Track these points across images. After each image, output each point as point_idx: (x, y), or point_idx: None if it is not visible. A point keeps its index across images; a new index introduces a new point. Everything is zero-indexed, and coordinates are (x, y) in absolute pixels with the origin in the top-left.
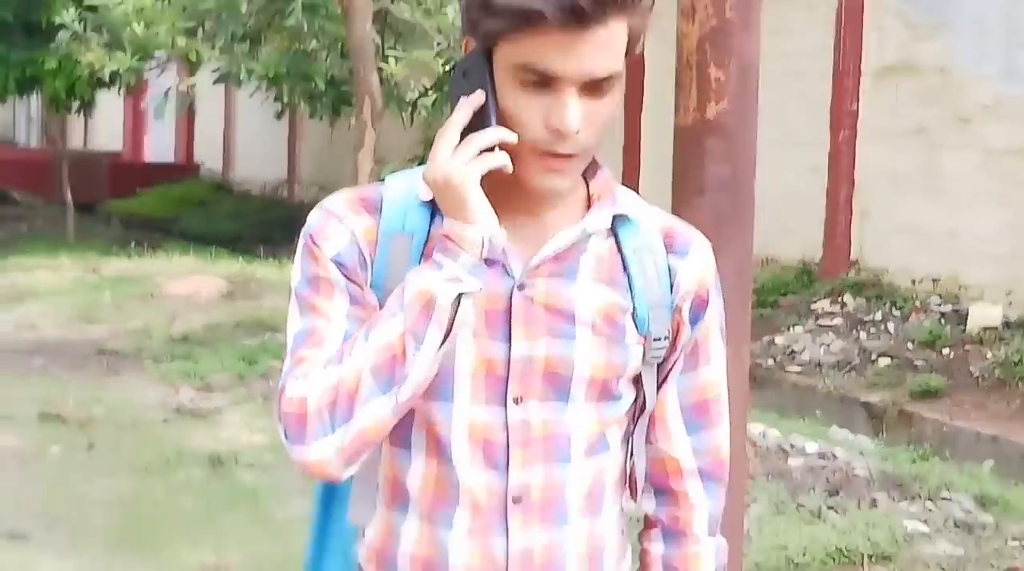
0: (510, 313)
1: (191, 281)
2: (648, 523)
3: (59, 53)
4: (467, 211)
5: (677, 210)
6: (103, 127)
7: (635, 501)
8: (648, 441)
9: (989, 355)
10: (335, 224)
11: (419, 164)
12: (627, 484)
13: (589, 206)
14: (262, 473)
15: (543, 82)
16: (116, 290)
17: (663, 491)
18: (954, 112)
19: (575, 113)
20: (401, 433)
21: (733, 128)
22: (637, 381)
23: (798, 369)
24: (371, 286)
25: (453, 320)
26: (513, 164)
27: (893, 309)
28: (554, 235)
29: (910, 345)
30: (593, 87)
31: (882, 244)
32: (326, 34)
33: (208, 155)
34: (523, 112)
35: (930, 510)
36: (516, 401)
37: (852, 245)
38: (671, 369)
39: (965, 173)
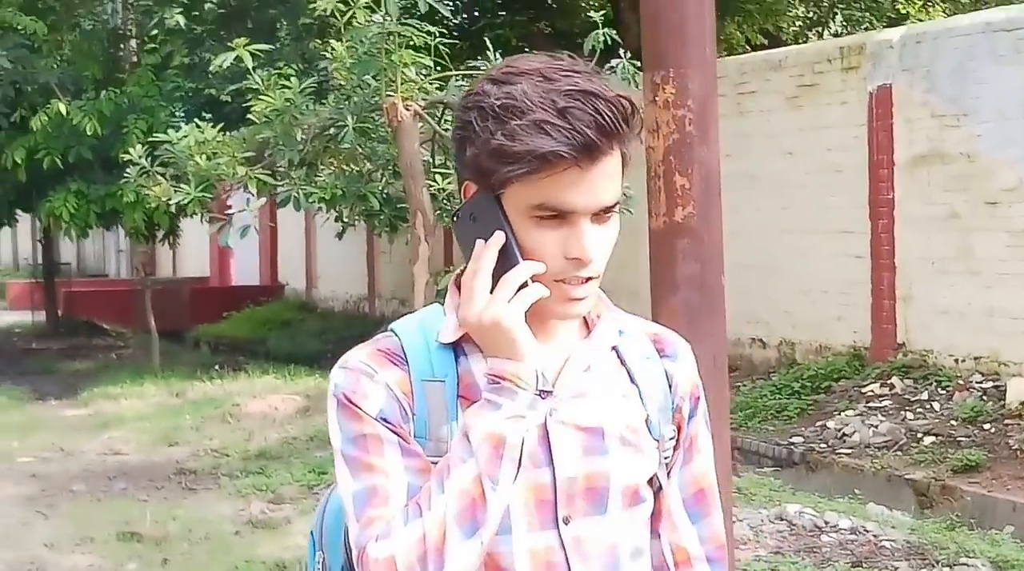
0: (548, 438)
1: (269, 400)
2: None
3: (129, 187)
4: (518, 349)
5: (655, 307)
6: (191, 255)
7: None
8: (654, 534)
9: None
10: (367, 381)
11: None
12: None
13: (586, 322)
14: None
15: (558, 216)
16: (197, 412)
17: None
18: (982, 196)
19: (592, 241)
20: None
21: (699, 229)
22: (652, 482)
23: (848, 451)
24: (415, 436)
25: (521, 455)
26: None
27: (938, 388)
28: (566, 354)
29: (953, 422)
30: (602, 214)
31: (926, 326)
32: (378, 155)
33: (292, 275)
34: (542, 247)
35: None
36: (565, 521)
37: (898, 329)
38: (671, 466)
39: (995, 254)
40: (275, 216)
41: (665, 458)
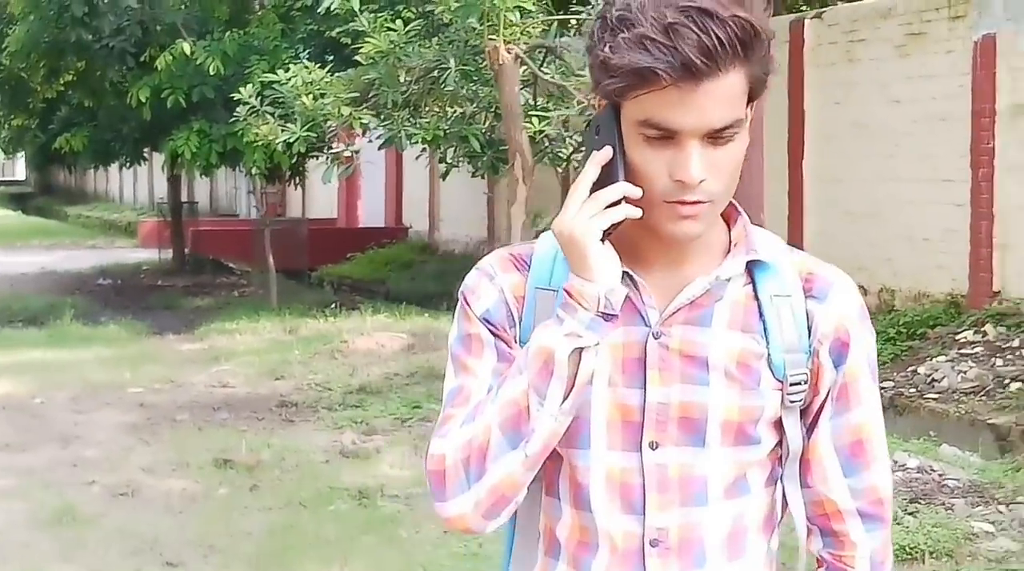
0: (645, 360)
1: (377, 337)
2: (817, 562)
3: (239, 126)
4: (587, 267)
5: None
6: (320, 197)
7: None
8: (805, 484)
9: None
10: (486, 282)
11: None
12: (776, 526)
13: (728, 252)
14: (403, 503)
15: (666, 135)
16: (306, 348)
17: (825, 531)
18: None
19: (697, 164)
20: (553, 482)
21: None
22: (779, 425)
23: (936, 396)
24: (520, 341)
25: (576, 375)
26: (645, 215)
27: None
28: (690, 283)
29: None
30: (715, 136)
31: (1022, 274)
32: (480, 98)
33: (415, 218)
34: (649, 165)
35: (1000, 513)
36: (652, 446)
37: (995, 277)
38: (820, 412)
39: None
40: (401, 160)
41: (793, 401)
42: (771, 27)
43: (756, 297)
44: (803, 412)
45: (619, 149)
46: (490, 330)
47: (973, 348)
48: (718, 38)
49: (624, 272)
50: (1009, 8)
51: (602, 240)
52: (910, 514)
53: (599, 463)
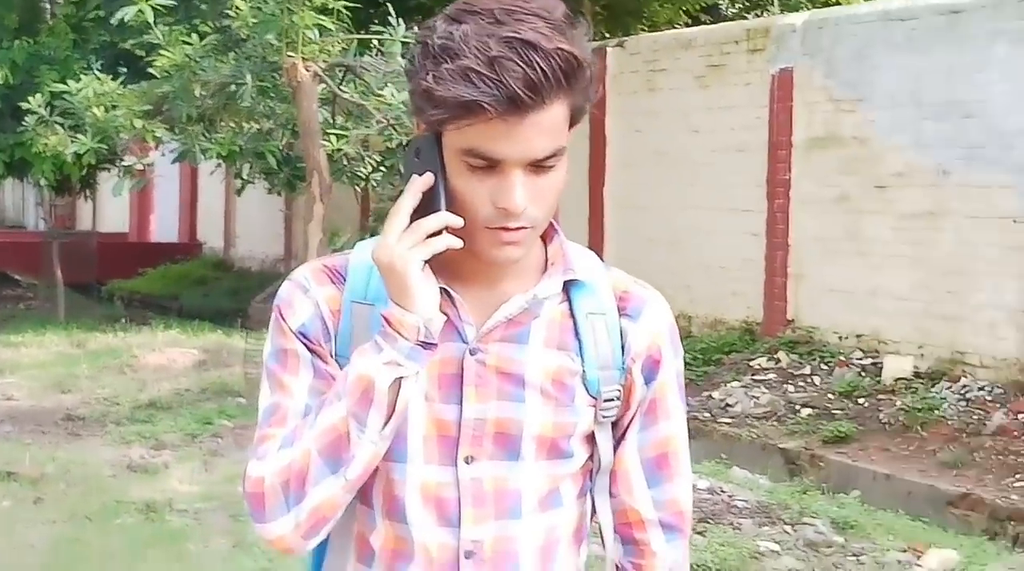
0: (462, 376)
1: (168, 353)
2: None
3: (27, 136)
4: (407, 297)
5: None
6: (112, 210)
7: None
8: (611, 494)
9: (898, 403)
10: (300, 295)
11: (371, 235)
12: (586, 538)
13: (545, 271)
14: (191, 517)
15: (490, 164)
16: (94, 362)
17: (627, 540)
18: (872, 179)
19: (521, 193)
20: (368, 492)
21: None
22: (592, 439)
23: (729, 420)
24: (336, 355)
25: (395, 402)
26: (467, 240)
27: (821, 363)
28: (508, 301)
29: (831, 396)
30: (538, 165)
31: (814, 304)
32: (278, 115)
33: (210, 234)
34: (473, 193)
35: (787, 533)
36: (467, 461)
37: (788, 305)
38: (629, 426)
39: (882, 236)
40: (195, 175)
41: (606, 417)
42: (591, 54)
43: (572, 315)
44: (614, 425)
45: (441, 175)
46: (306, 345)
47: (766, 374)
48: (543, 71)
49: (441, 288)
50: (806, 43)
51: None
52: (699, 533)
53: (415, 476)
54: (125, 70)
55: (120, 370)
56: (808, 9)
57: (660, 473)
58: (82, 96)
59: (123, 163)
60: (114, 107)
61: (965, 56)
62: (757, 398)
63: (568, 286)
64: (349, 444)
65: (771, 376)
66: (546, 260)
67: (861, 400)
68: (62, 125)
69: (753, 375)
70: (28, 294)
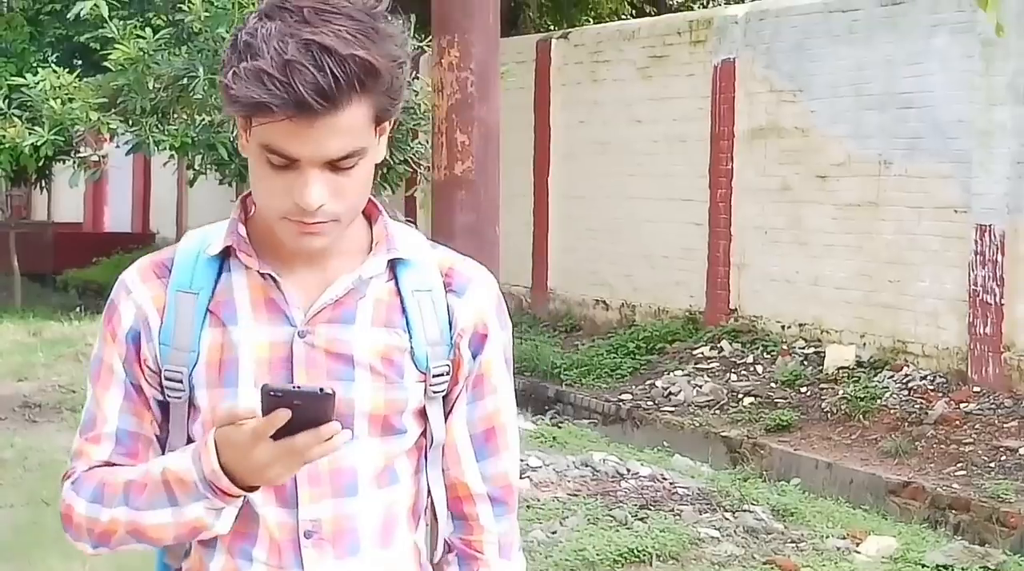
0: (292, 359)
1: None
2: (446, 547)
3: None
4: (255, 486)
5: None
6: (66, 200)
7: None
8: (441, 468)
9: (840, 392)
10: (125, 298)
11: None
12: (423, 514)
13: (370, 251)
14: None
15: (287, 160)
16: (50, 351)
17: (457, 515)
18: (813, 169)
19: (317, 192)
20: None
21: (477, 183)
22: (424, 414)
23: (672, 409)
24: (160, 343)
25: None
26: (272, 228)
27: (764, 352)
28: (333, 282)
29: (773, 385)
30: (335, 164)
31: (757, 293)
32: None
33: (163, 224)
34: (272, 186)
35: (727, 519)
36: None
37: (731, 294)
38: (456, 400)
39: (823, 226)
40: (149, 166)
41: (436, 392)
42: (404, 54)
43: (399, 293)
44: (444, 400)
45: (330, 411)
46: (129, 352)
47: (709, 363)
48: (335, 76)
49: (267, 273)
50: (748, 35)
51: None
52: (640, 519)
53: None
54: (81, 63)
55: (76, 358)
56: (752, 0)
57: (487, 446)
58: (40, 89)
59: (79, 155)
60: (70, 100)
61: (905, 47)
62: (700, 387)
63: (394, 265)
64: (162, 542)
65: (714, 365)
66: (371, 240)
67: (803, 389)
68: (19, 117)
69: (696, 364)
70: None
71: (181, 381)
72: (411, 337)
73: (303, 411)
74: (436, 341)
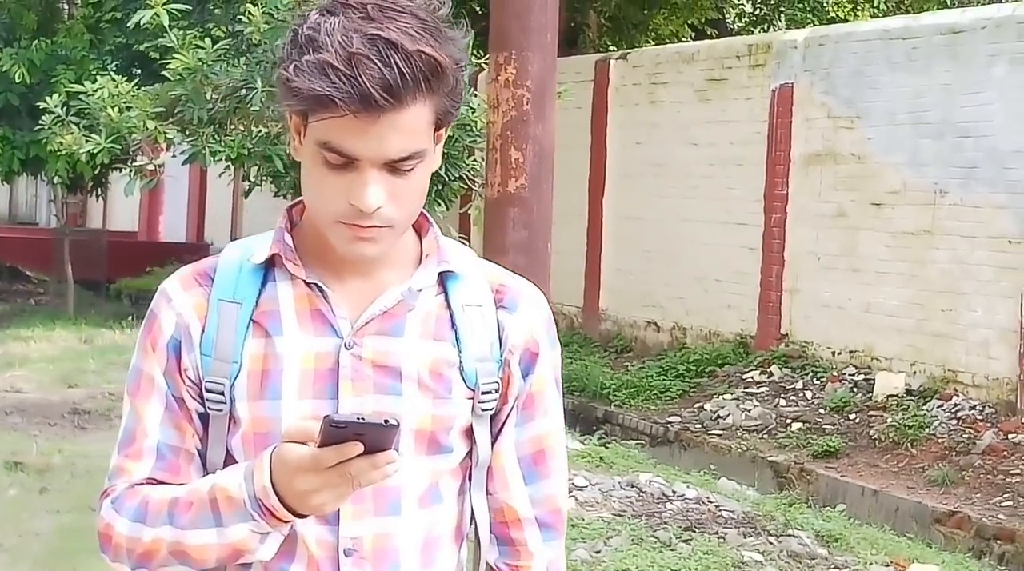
0: (338, 371)
1: None
2: None
3: (43, 135)
4: (303, 514)
5: None
6: (122, 209)
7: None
8: (488, 492)
9: (888, 420)
10: (166, 307)
11: None
12: (466, 536)
13: (420, 263)
14: None
15: (346, 160)
16: (101, 358)
17: (503, 541)
18: (868, 196)
19: (374, 192)
20: None
21: (530, 200)
22: (471, 433)
23: (720, 432)
24: (201, 354)
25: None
26: (325, 234)
27: (813, 378)
28: (383, 293)
29: (822, 411)
30: (396, 165)
31: (808, 318)
32: (285, 119)
33: (217, 235)
34: (328, 187)
35: (771, 544)
36: None
37: (783, 320)
38: (506, 421)
39: (877, 253)
40: (204, 176)
41: (484, 410)
42: (465, 58)
43: (448, 306)
44: (492, 419)
45: (392, 440)
46: (171, 361)
47: (759, 387)
48: (401, 72)
49: (313, 283)
50: (807, 59)
51: None
52: (684, 541)
53: None
54: (139, 72)
55: (126, 366)
56: (812, 25)
57: (537, 470)
58: (97, 97)
59: (135, 163)
60: (128, 108)
61: (963, 76)
62: (749, 411)
63: (444, 278)
64: (205, 564)
65: (763, 389)
66: (420, 252)
67: (852, 416)
68: (77, 125)
69: (745, 388)
70: (39, 290)
71: (223, 393)
72: (460, 352)
73: (365, 441)
74: (486, 357)
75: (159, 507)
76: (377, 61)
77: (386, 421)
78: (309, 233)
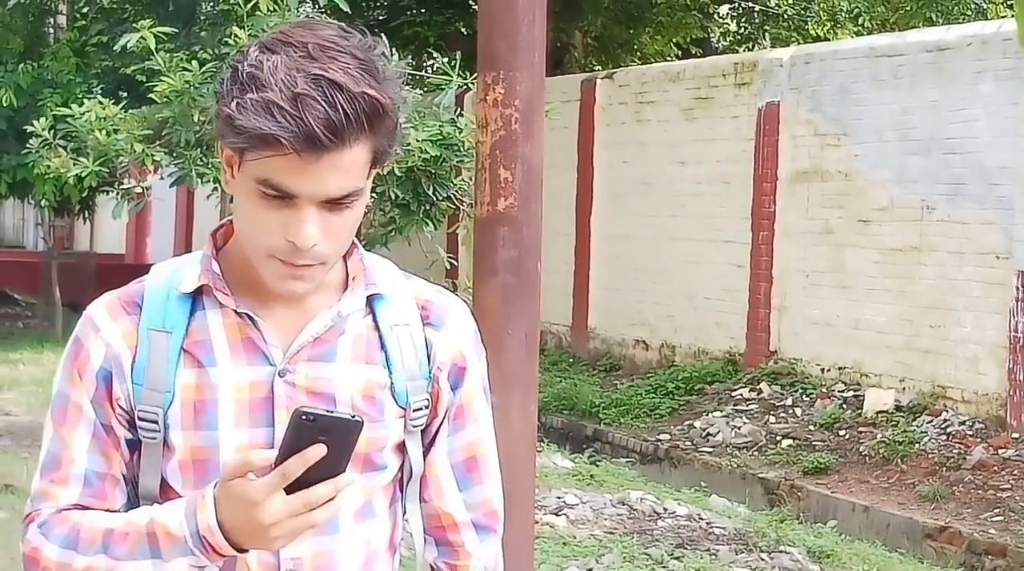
0: (273, 400)
1: None
2: None
3: (30, 158)
4: (250, 547)
5: (476, 287)
6: (109, 231)
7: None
8: (422, 499)
9: (878, 436)
10: (94, 336)
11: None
12: (398, 546)
13: (347, 287)
14: None
15: (284, 196)
16: None
17: (441, 542)
18: (856, 213)
19: (312, 230)
20: None
21: (520, 219)
22: (402, 448)
23: (710, 450)
24: (133, 383)
25: None
26: (256, 266)
27: (803, 395)
28: (312, 320)
29: (812, 427)
30: (332, 203)
31: (797, 336)
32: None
33: None
34: (264, 222)
35: (763, 560)
36: None
37: (771, 337)
38: (437, 432)
39: (865, 270)
40: (192, 198)
41: (415, 426)
42: (402, 98)
43: (377, 328)
44: (423, 432)
45: (348, 455)
46: (99, 391)
47: (748, 405)
48: (345, 113)
49: (244, 313)
50: (793, 78)
51: None
52: (676, 558)
53: None
54: (126, 95)
55: None
56: (797, 44)
57: (470, 476)
58: (85, 120)
59: (122, 186)
60: (115, 131)
61: (950, 93)
62: (738, 428)
63: (371, 299)
64: None
65: (753, 407)
66: (347, 276)
67: (842, 432)
68: (64, 148)
69: (735, 405)
70: (27, 313)
71: (156, 421)
72: (391, 373)
73: (331, 441)
74: (415, 376)
75: (92, 536)
76: (322, 101)
77: (353, 417)
78: (236, 260)
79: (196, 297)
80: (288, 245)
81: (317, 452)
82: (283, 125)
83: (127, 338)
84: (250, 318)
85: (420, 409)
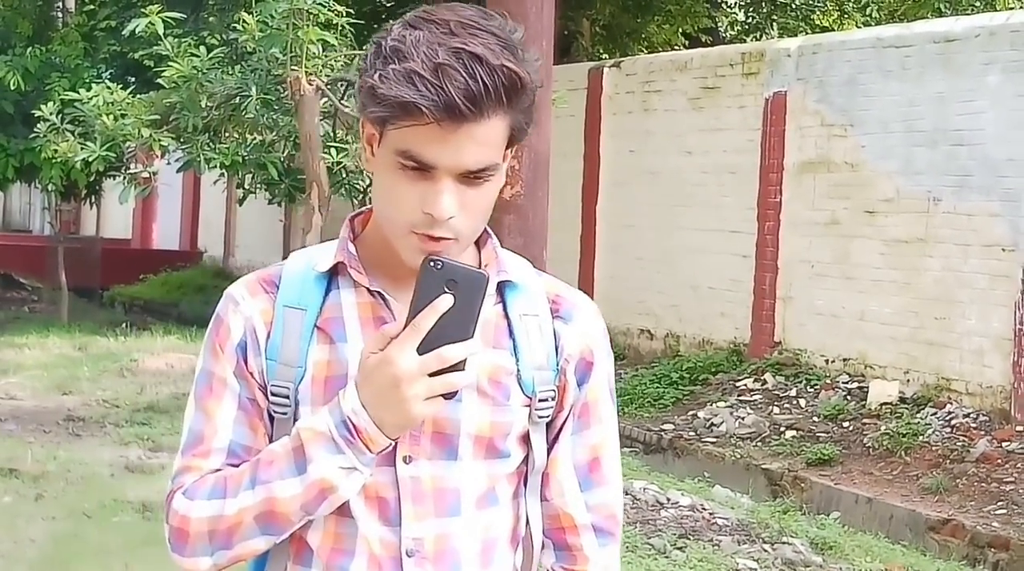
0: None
1: (167, 357)
2: None
3: (37, 142)
4: (395, 430)
5: None
6: (115, 216)
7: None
8: (543, 498)
9: (882, 428)
10: (233, 311)
11: None
12: (520, 540)
13: None
14: None
15: (422, 168)
16: (95, 365)
17: (559, 546)
18: (862, 204)
19: (449, 201)
20: None
21: (526, 207)
22: (527, 439)
23: (713, 440)
24: (266, 358)
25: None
26: (393, 241)
27: (807, 386)
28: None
29: (816, 419)
30: (470, 177)
31: (801, 326)
32: (280, 127)
33: (211, 243)
34: (402, 194)
35: (766, 551)
36: (406, 460)
37: (776, 327)
38: (562, 428)
39: (870, 261)
40: (198, 184)
41: (541, 417)
42: (541, 78)
43: (506, 316)
44: (548, 427)
45: (475, 316)
46: (239, 364)
47: (752, 395)
48: (484, 84)
49: (377, 292)
50: (800, 68)
51: None
52: (679, 548)
53: None
54: (134, 80)
55: (120, 373)
56: (805, 34)
57: (592, 477)
58: (92, 104)
59: (129, 171)
60: (123, 116)
61: (957, 84)
62: (742, 419)
63: (502, 288)
64: (289, 522)
65: (757, 397)
66: (480, 262)
67: (846, 424)
68: (72, 132)
69: (739, 396)
70: (33, 297)
71: (287, 396)
72: (518, 360)
73: (458, 293)
74: (542, 366)
75: (239, 477)
76: (462, 72)
77: (479, 270)
78: (373, 243)
79: (332, 278)
80: (426, 218)
81: (445, 302)
82: (424, 93)
83: (264, 314)
84: (382, 297)
85: (546, 400)
